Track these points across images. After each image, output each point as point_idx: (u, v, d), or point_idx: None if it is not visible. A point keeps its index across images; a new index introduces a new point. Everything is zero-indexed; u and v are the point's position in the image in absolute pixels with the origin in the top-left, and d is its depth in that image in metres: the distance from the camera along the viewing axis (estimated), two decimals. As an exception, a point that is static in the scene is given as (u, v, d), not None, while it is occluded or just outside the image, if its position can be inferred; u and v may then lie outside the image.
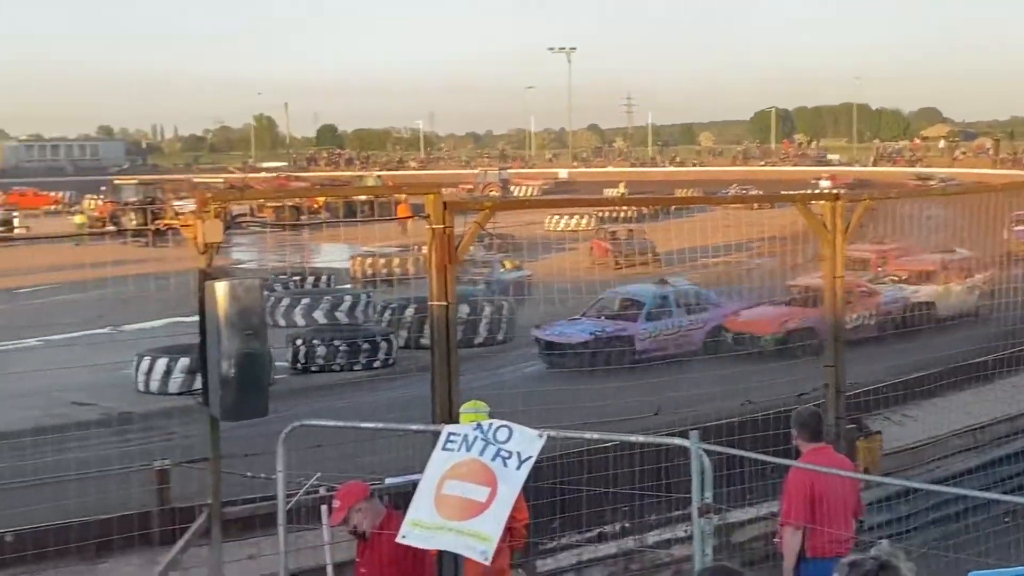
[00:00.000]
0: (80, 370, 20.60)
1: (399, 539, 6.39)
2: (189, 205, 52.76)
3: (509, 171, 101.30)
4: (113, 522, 10.85)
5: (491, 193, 76.18)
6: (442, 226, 8.49)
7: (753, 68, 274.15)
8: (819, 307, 22.61)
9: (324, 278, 35.03)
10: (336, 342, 23.06)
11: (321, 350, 22.99)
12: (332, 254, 44.90)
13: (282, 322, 27.38)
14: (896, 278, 26.44)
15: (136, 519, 11.04)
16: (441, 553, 7.47)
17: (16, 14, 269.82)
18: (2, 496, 12.57)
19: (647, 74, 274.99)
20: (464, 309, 23.00)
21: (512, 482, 6.25)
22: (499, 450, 6.34)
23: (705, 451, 6.30)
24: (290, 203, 57.75)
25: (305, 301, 28.97)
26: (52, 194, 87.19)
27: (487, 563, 6.21)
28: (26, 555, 10.21)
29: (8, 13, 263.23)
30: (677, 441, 6.62)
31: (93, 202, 65.14)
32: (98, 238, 51.08)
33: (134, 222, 51.76)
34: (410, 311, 25.58)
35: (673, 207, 41.36)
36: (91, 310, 29.65)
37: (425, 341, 19.80)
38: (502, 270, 31.90)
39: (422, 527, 6.29)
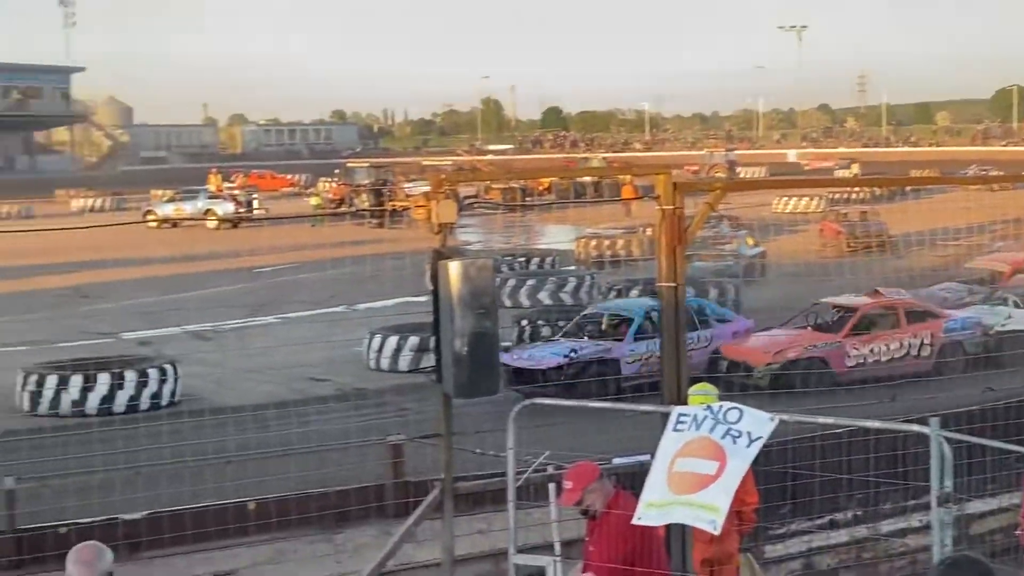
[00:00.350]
0: (316, 346, 21.37)
1: (635, 520, 6.42)
2: (419, 187, 54.14)
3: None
4: (350, 493, 11.24)
5: (717, 175, 75.36)
6: (672, 207, 8.42)
7: (994, 44, 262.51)
8: (842, 332, 19.22)
9: (548, 259, 35.32)
10: (561, 323, 23.18)
11: (546, 331, 23.13)
12: (557, 235, 45.27)
13: (508, 303, 27.72)
14: (1016, 298, 21.51)
15: (372, 491, 11.41)
16: (669, 534, 7.47)
17: (260, 5, 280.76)
18: (248, 466, 13.18)
19: (880, 51, 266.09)
20: (688, 291, 22.12)
21: (742, 457, 6.20)
22: (729, 429, 6.30)
23: (945, 439, 6.11)
24: (516, 185, 58.41)
25: (530, 282, 29.26)
26: (288, 176, 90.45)
27: (716, 533, 6.16)
28: (270, 523, 10.69)
29: (256, 4, 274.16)
30: (916, 428, 6.43)
31: (327, 184, 67.18)
32: (333, 219, 52.76)
33: (367, 204, 53.14)
34: (635, 292, 25.57)
35: (909, 188, 40.08)
36: (326, 289, 30.67)
37: (650, 323, 19.78)
38: (746, 246, 31.58)
39: (656, 507, 6.30)
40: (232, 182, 72.85)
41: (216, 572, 9.97)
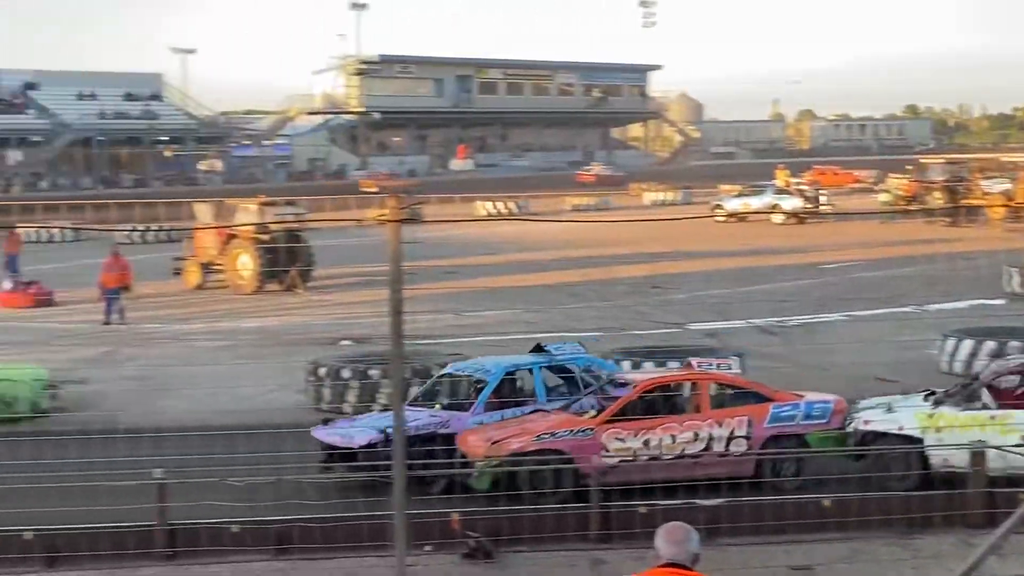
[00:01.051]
0: (883, 346, 20.95)
1: None
2: (997, 184, 51.41)
3: None
4: (933, 499, 10.99)
5: None
6: None
7: None
8: (598, 417, 13.90)
9: None
10: None
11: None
12: None
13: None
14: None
15: (955, 498, 11.05)
16: None
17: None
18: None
19: None
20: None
21: None
22: None
23: None
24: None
25: None
26: (854, 172, 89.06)
27: None
28: (847, 521, 10.65)
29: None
30: None
31: (897, 181, 65.65)
32: (904, 216, 51.54)
33: (940, 201, 51.39)
34: None
35: None
36: (894, 288, 30.01)
37: None
38: None
39: None
40: (800, 178, 72.93)
41: (792, 566, 10.05)
